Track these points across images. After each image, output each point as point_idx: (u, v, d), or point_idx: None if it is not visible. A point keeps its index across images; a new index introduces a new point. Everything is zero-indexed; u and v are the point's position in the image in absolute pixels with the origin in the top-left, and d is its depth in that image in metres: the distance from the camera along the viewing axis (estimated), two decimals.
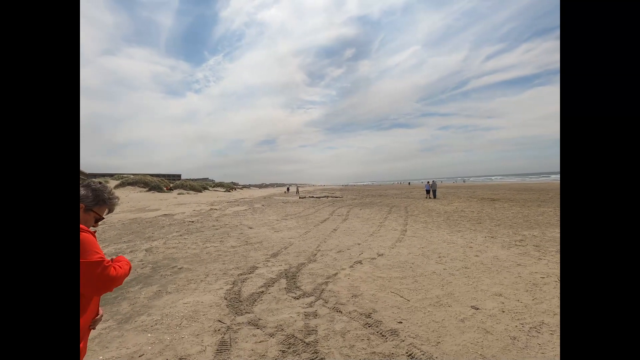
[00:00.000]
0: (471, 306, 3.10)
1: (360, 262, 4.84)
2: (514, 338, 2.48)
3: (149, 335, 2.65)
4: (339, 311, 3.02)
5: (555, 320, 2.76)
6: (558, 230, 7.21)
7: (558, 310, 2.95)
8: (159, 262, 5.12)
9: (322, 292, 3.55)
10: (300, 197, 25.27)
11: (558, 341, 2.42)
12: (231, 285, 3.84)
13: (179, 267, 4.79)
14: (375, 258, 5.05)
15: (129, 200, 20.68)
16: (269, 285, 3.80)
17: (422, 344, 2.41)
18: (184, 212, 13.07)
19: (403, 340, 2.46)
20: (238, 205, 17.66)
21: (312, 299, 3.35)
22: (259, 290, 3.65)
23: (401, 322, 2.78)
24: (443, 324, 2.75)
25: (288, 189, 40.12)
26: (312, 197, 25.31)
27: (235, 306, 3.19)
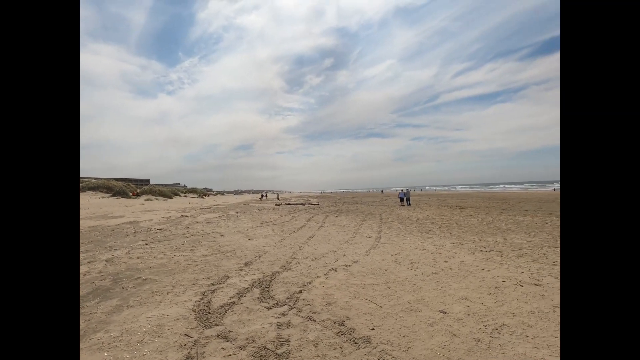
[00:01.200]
0: (440, 310, 3.22)
1: (335, 269, 4.85)
2: (478, 340, 2.61)
3: (105, 354, 2.44)
4: (313, 320, 2.99)
5: (515, 321, 2.94)
6: (517, 236, 7.76)
7: (517, 312, 3.16)
8: (120, 273, 4.76)
9: (296, 301, 3.50)
10: (276, 204, 24.97)
11: (517, 341, 2.58)
12: (201, 297, 3.66)
13: (143, 278, 4.48)
14: (350, 265, 5.09)
15: (89, 206, 19.11)
16: (241, 296, 3.67)
17: (393, 350, 2.45)
18: (152, 220, 12.33)
19: (375, 347, 2.49)
20: (211, 212, 17.02)
21: (285, 308, 3.29)
22: (230, 300, 3.52)
23: (374, 329, 2.81)
24: (413, 329, 2.82)
25: (263, 196, 39.24)
26: (289, 204, 25.09)
27: (205, 318, 3.04)
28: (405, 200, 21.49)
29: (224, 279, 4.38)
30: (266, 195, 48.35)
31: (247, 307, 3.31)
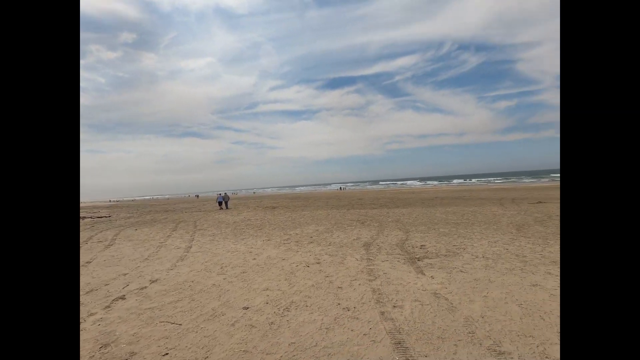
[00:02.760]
0: (243, 307, 3.39)
1: (123, 297, 3.86)
2: (272, 323, 2.98)
3: None
4: None
5: (300, 297, 3.64)
6: (311, 227, 9.79)
7: (303, 289, 3.93)
8: None
9: None
10: None
11: (300, 312, 3.19)
12: None
13: None
14: (146, 287, 4.25)
15: None
16: None
17: None
18: None
19: None
20: None
21: None
22: None
23: (167, 354, 2.48)
24: (214, 335, 2.77)
25: None
26: None
27: None
28: (223, 204, 21.17)
29: None
30: None
31: None
